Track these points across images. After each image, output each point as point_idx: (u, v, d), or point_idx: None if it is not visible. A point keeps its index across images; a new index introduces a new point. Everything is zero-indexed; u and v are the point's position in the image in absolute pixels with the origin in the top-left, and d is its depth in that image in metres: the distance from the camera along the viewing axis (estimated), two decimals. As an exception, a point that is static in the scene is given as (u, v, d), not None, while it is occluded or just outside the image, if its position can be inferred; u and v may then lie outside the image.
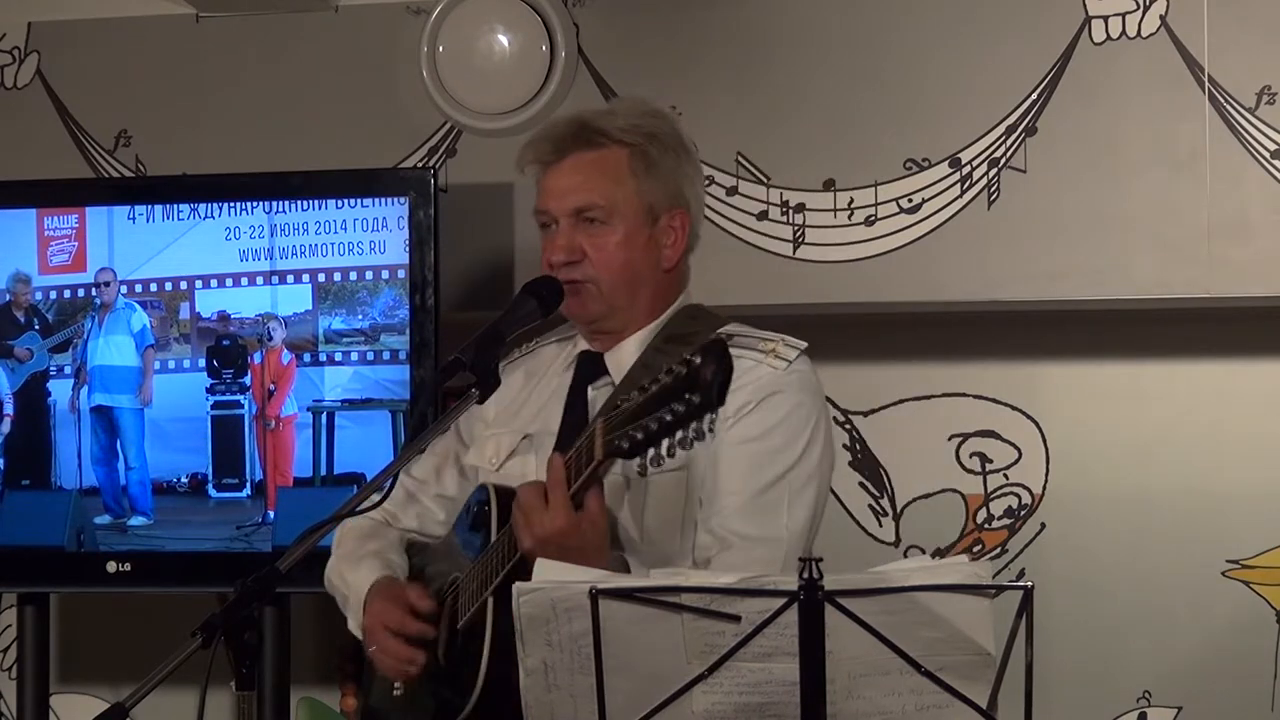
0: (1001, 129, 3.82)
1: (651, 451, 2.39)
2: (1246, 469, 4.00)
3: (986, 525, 4.11)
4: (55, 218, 3.99)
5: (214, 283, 3.93)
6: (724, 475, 2.75)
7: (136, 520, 3.95)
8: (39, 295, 4.00)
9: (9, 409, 4.01)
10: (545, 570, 2.34)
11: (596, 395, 2.89)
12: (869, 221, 3.87)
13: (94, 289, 3.97)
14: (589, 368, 2.91)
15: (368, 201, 3.86)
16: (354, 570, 2.95)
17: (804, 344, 2.85)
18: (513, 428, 2.94)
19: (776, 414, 2.77)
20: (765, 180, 3.91)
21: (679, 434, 2.36)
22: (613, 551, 2.69)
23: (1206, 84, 3.73)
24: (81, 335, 3.97)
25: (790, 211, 3.91)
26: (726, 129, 3.90)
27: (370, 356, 3.85)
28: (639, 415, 2.39)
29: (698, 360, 2.33)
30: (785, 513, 2.75)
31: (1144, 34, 3.76)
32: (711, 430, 2.36)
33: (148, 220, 3.96)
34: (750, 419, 2.76)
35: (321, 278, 3.88)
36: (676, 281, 2.93)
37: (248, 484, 3.91)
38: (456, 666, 2.78)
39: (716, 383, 2.33)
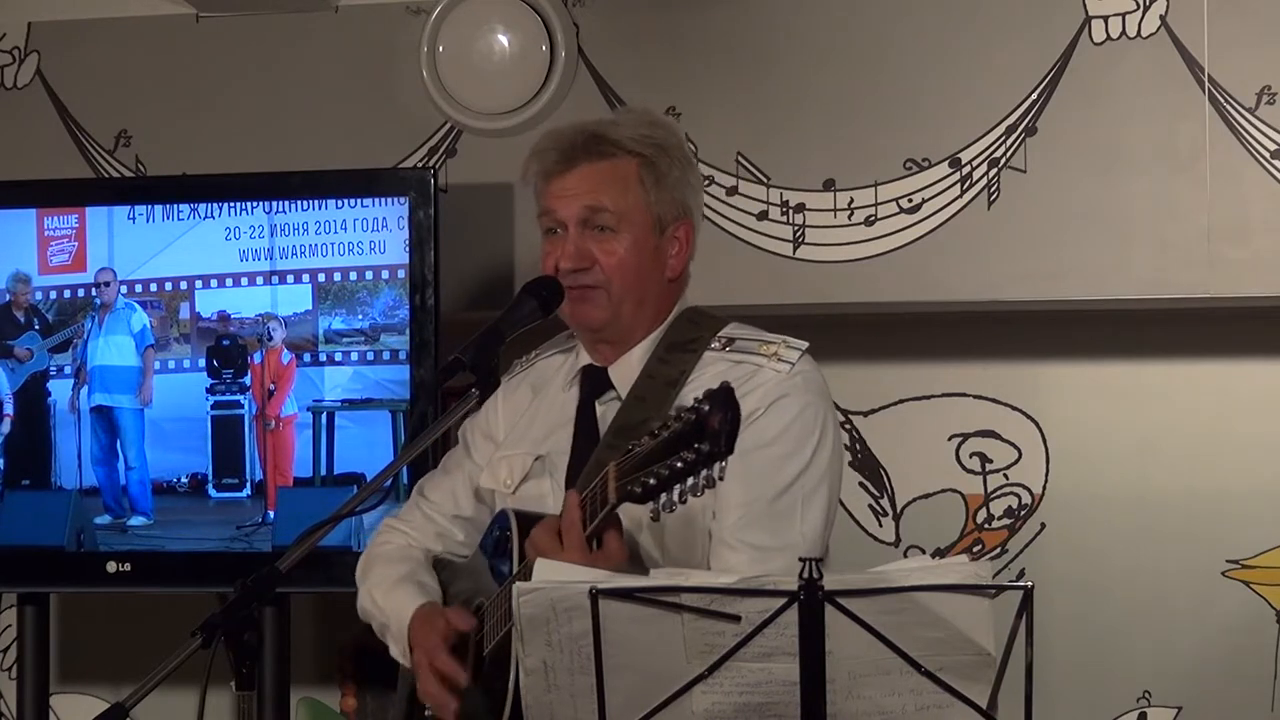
0: (1001, 129, 3.82)
1: (664, 497, 2.39)
2: (1246, 469, 4.00)
3: (986, 525, 4.11)
4: (55, 218, 3.99)
5: (214, 283, 3.93)
6: (736, 484, 2.70)
7: (136, 520, 3.95)
8: (39, 295, 4.00)
9: (9, 409, 4.01)
10: (545, 570, 2.34)
11: (605, 410, 2.87)
12: (869, 221, 3.87)
13: (94, 289, 3.97)
14: (594, 383, 2.90)
15: (368, 201, 3.85)
16: (389, 596, 2.90)
17: (805, 344, 2.85)
18: (523, 449, 2.92)
19: (784, 419, 2.77)
20: (765, 180, 3.91)
21: (689, 481, 2.37)
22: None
23: (1206, 84, 3.73)
24: (81, 335, 3.97)
25: (790, 211, 3.91)
26: (726, 129, 3.90)
27: (370, 356, 3.85)
28: (650, 461, 2.39)
29: (706, 408, 2.34)
30: (799, 518, 2.75)
31: (1144, 34, 3.76)
32: (721, 477, 2.37)
33: (148, 220, 3.95)
34: (758, 425, 2.74)
35: (321, 278, 3.88)
36: (678, 290, 2.93)
37: (248, 484, 3.91)
38: (485, 691, 2.73)
39: (725, 431, 2.33)
